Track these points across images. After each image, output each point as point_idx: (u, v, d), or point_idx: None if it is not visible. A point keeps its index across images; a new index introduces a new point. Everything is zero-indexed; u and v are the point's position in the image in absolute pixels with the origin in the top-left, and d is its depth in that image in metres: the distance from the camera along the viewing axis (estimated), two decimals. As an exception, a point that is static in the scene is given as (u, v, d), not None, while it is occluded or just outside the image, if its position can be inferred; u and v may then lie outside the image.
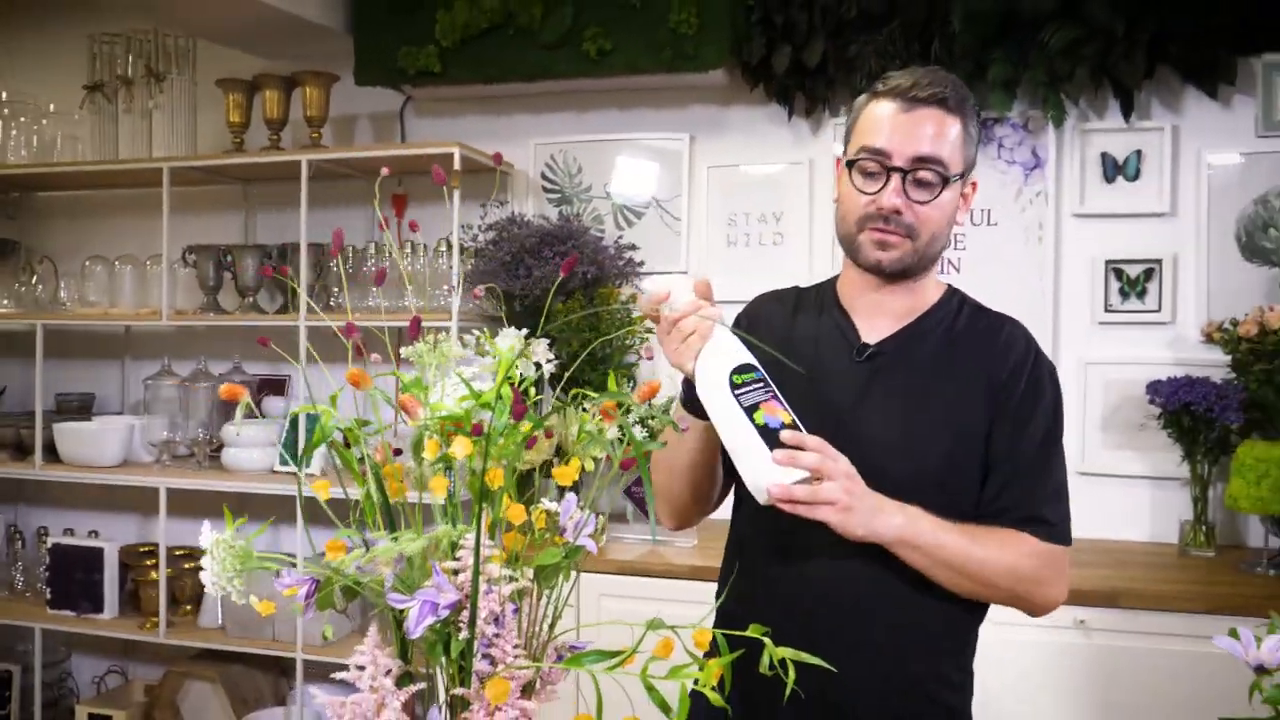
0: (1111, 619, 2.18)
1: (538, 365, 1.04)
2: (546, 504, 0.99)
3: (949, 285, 1.48)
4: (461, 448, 0.87)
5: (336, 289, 3.14)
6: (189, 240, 3.33)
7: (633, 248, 2.98)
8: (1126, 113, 2.70)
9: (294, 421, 3.16)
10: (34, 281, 3.48)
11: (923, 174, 1.32)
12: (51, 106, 3.57)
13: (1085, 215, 2.80)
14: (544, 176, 3.25)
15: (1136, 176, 2.75)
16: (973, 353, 1.39)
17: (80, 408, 3.58)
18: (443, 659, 0.92)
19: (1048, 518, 1.35)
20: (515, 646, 0.92)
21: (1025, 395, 1.36)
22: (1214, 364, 2.59)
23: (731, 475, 1.40)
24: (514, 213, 3.05)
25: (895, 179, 1.33)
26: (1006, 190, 2.83)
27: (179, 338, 3.61)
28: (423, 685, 0.97)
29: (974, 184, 1.42)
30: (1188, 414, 2.45)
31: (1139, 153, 2.74)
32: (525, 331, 1.04)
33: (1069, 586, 1.40)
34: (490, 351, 1.03)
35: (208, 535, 0.91)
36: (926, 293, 1.44)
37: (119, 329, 3.68)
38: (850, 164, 1.37)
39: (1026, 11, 2.61)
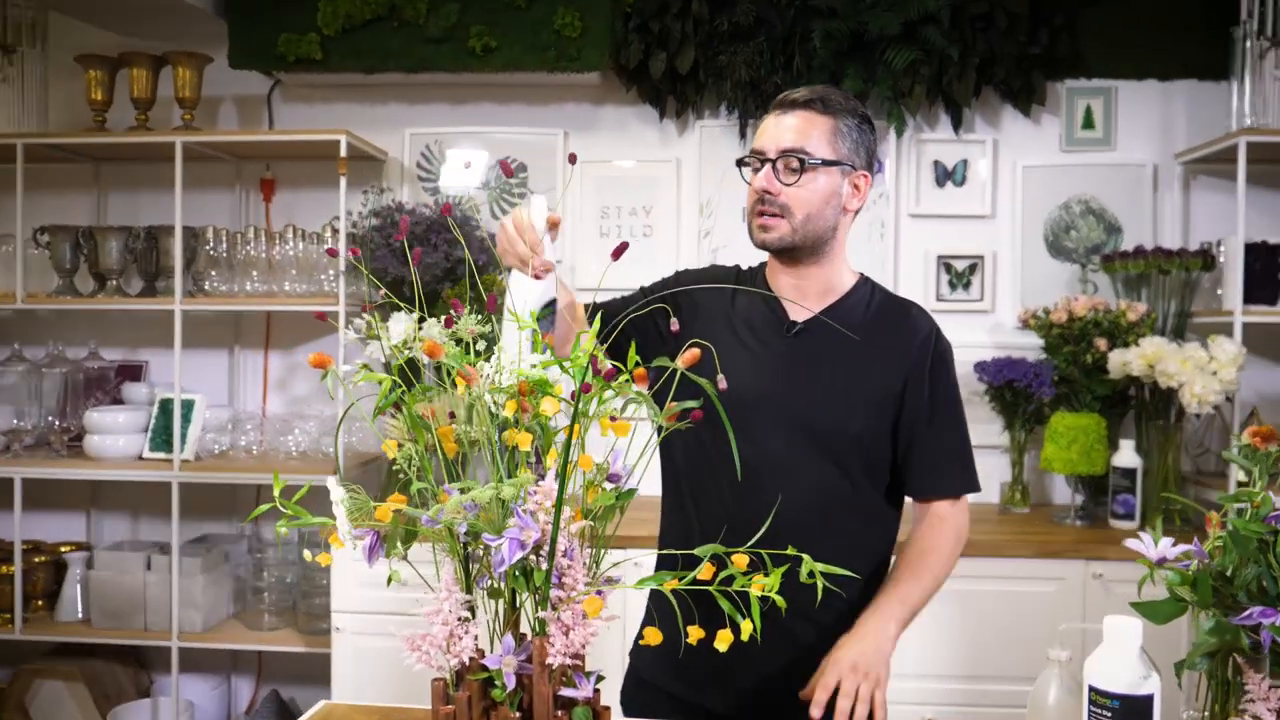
0: (959, 566, 2.52)
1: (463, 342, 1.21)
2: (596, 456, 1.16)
3: (861, 274, 1.74)
4: (551, 405, 1.04)
5: (212, 273, 3.12)
6: (41, 220, 3.20)
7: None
8: (956, 126, 3.09)
9: (164, 406, 3.12)
10: None
11: (789, 161, 1.57)
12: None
13: (920, 215, 3.17)
14: (419, 166, 3.33)
15: (963, 182, 3.14)
16: (886, 329, 1.66)
17: (-88, 396, 3.37)
18: (526, 587, 1.08)
19: (967, 474, 1.68)
20: (584, 576, 1.09)
21: (933, 365, 1.65)
22: (1027, 347, 3.01)
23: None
24: (395, 200, 3.13)
25: (767, 167, 1.59)
26: (853, 191, 3.17)
27: (25, 322, 3.46)
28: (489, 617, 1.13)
29: (865, 177, 1.63)
30: (1010, 389, 2.85)
31: (965, 161, 3.14)
32: (417, 315, 1.19)
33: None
34: (380, 336, 1.20)
35: (336, 489, 1.03)
36: (841, 278, 1.69)
37: (-40, 312, 3.48)
38: (742, 165, 1.65)
39: (875, 32, 2.94)
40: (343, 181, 2.95)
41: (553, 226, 1.47)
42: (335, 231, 3.02)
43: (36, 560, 3.21)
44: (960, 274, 3.14)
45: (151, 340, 3.39)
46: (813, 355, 1.64)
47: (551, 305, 1.44)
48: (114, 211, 3.45)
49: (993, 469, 3.09)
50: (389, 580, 1.18)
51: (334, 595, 2.76)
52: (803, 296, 1.66)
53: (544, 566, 1.08)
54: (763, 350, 1.64)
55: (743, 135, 3.15)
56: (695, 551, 1.11)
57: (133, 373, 3.43)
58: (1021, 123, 3.13)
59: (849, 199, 1.63)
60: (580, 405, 1.04)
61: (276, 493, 1.15)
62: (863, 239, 3.16)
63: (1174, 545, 1.14)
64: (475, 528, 1.10)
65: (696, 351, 1.13)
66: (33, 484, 3.15)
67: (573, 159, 1.40)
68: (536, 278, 1.43)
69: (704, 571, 1.11)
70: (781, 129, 1.59)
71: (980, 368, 2.92)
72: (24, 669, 3.19)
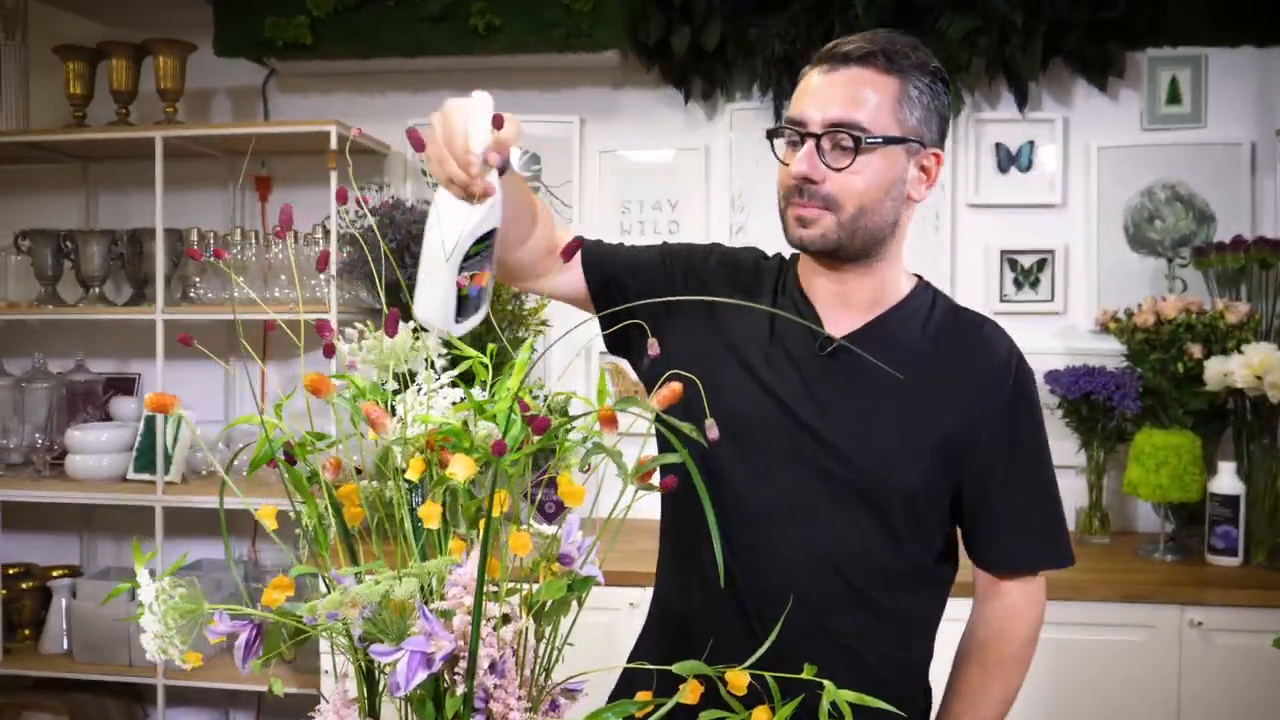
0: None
1: (430, 362, 0.91)
2: (538, 526, 0.85)
3: (919, 278, 1.37)
4: (463, 468, 0.73)
5: (197, 279, 2.87)
6: (19, 225, 2.99)
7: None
8: (1021, 104, 2.73)
9: (149, 424, 2.88)
10: None
11: (839, 138, 1.20)
12: None
13: (980, 205, 2.82)
14: (422, 159, 3.05)
15: (1029, 167, 2.78)
16: (949, 356, 1.28)
17: (-109, 412, 3.17)
18: (434, 717, 0.78)
19: (1059, 543, 1.32)
20: (520, 699, 0.79)
21: (1014, 400, 1.27)
22: (1105, 353, 2.64)
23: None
24: (394, 198, 2.86)
25: (809, 144, 1.21)
26: (903, 180, 2.83)
27: (9, 333, 3.24)
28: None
29: (936, 156, 1.26)
30: (1087, 403, 2.49)
31: (1031, 143, 2.78)
32: (413, 325, 0.92)
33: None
34: (373, 345, 0.90)
35: (148, 586, 0.73)
36: (895, 283, 1.32)
37: (-65, 324, 3.28)
38: (774, 137, 1.27)
39: (926, -1, 2.61)
40: (333, 177, 2.68)
41: (500, 136, 1.07)
42: (326, 233, 2.75)
43: (24, 586, 3.01)
44: (1027, 271, 2.78)
45: (142, 351, 3.15)
46: (852, 380, 1.25)
47: (489, 238, 1.09)
48: (104, 214, 3.22)
49: (1067, 493, 2.72)
50: (269, 691, 0.88)
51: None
52: (844, 307, 1.29)
53: (460, 690, 0.77)
54: (788, 369, 1.27)
55: (778, 117, 2.82)
56: (674, 668, 0.80)
57: (124, 386, 3.20)
58: (1096, 98, 2.76)
59: (915, 185, 1.25)
60: (497, 469, 0.73)
61: (139, 566, 0.87)
62: (914, 232, 2.75)
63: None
64: (370, 634, 0.80)
65: (677, 387, 0.81)
66: (19, 506, 2.94)
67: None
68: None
69: (689, 694, 0.80)
70: (830, 93, 1.20)
71: (1052, 378, 2.56)
72: (9, 703, 2.99)
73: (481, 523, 0.78)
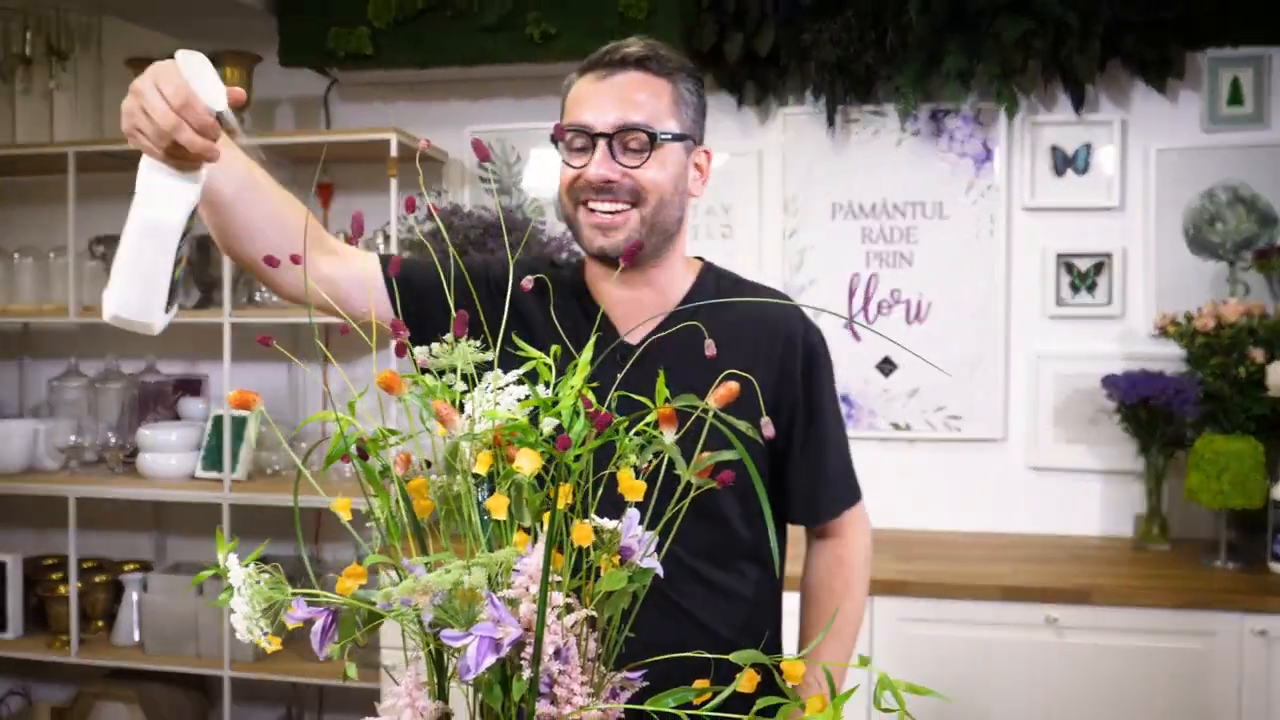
0: (1083, 616, 2.17)
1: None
2: (601, 521, 0.89)
3: (701, 261, 1.40)
4: (529, 462, 0.77)
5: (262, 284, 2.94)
6: (95, 231, 3.09)
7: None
8: (1078, 105, 2.71)
9: (217, 424, 2.96)
10: (-80, 275, 3.20)
11: (629, 139, 1.24)
12: (-64, 86, 3.28)
13: (1036, 209, 2.80)
14: (480, 165, 3.11)
15: (1086, 170, 2.76)
16: (741, 336, 1.29)
17: (-26, 411, 3.31)
18: (501, 700, 0.81)
19: (846, 486, 1.42)
20: (582, 684, 0.82)
21: (812, 375, 1.34)
22: (1164, 358, 2.61)
23: None
24: (452, 203, 2.92)
25: (601, 146, 1.24)
26: (957, 182, 2.82)
27: (84, 336, 3.36)
28: (467, 729, 0.86)
29: (707, 154, 1.34)
30: (1145, 408, 2.47)
31: (1088, 146, 2.76)
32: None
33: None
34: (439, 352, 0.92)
35: (236, 570, 0.78)
36: (679, 277, 1.35)
37: (16, 326, 3.40)
38: (556, 142, 1.27)
39: (980, 2, 2.60)
40: (393, 184, 2.75)
41: (235, 93, 1.03)
42: (386, 238, 2.82)
43: (97, 580, 3.12)
44: (1084, 275, 2.76)
45: (210, 353, 3.25)
46: (650, 380, 1.24)
47: (193, 215, 1.02)
48: (174, 220, 3.32)
49: (1125, 498, 2.71)
50: (344, 675, 0.92)
51: (384, 631, 2.54)
52: (638, 309, 1.31)
53: (527, 674, 0.81)
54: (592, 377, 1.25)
55: (831, 122, 2.83)
56: (732, 657, 0.82)
57: (192, 387, 3.29)
58: (1155, 100, 2.73)
59: (693, 182, 1.32)
60: (563, 462, 0.76)
61: (222, 557, 0.92)
62: (969, 236, 2.80)
63: None
64: (440, 619, 0.83)
65: (735, 386, 0.84)
66: (95, 502, 3.05)
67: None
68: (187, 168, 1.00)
69: (747, 683, 0.82)
70: (614, 95, 1.25)
71: (1109, 382, 2.54)
72: (85, 692, 3.09)
73: (546, 515, 0.81)
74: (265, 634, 0.80)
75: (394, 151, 2.73)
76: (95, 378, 3.16)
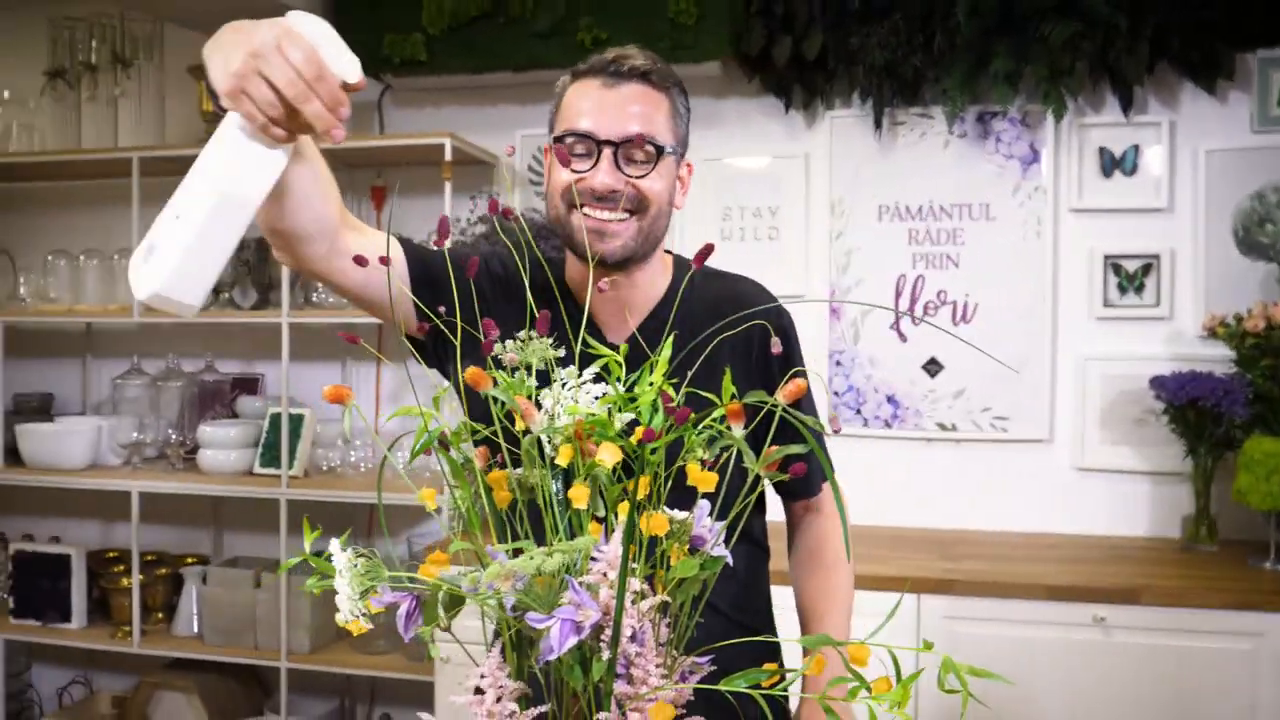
0: (1131, 616, 2.18)
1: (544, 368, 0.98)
2: (673, 513, 0.93)
3: (675, 257, 1.43)
4: (610, 454, 0.81)
5: (319, 284, 3.02)
6: (157, 234, 3.18)
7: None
8: (1126, 107, 2.72)
9: (274, 421, 3.04)
10: (-10, 277, 3.32)
11: (634, 153, 1.27)
12: (5, 94, 3.39)
13: (1083, 210, 2.81)
14: (530, 169, 3.17)
15: (1134, 171, 2.77)
16: (716, 321, 1.27)
17: (39, 408, 3.41)
18: (581, 680, 0.86)
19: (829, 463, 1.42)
20: (657, 666, 0.86)
21: (784, 356, 1.34)
22: (1213, 359, 2.61)
23: None
24: (505, 205, 2.97)
25: (606, 154, 1.26)
26: (1004, 184, 2.83)
27: (144, 335, 3.47)
28: (546, 708, 0.91)
29: (689, 166, 1.38)
30: (1194, 409, 2.47)
31: (1136, 147, 2.76)
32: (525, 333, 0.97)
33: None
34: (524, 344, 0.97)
35: (339, 555, 0.83)
36: (659, 276, 1.39)
37: (79, 326, 3.52)
38: (557, 147, 1.27)
39: (1028, 4, 2.61)
40: (448, 187, 2.81)
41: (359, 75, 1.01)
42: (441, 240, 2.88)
43: (157, 573, 3.21)
44: (1131, 276, 2.77)
45: (266, 353, 3.34)
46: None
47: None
48: (231, 223, 3.41)
49: (1172, 500, 2.71)
50: (427, 656, 0.98)
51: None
52: (622, 311, 1.35)
53: (605, 655, 0.85)
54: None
55: (878, 125, 2.86)
56: (798, 641, 0.86)
57: (249, 385, 3.38)
58: (1203, 101, 2.73)
59: (678, 194, 1.36)
60: (645, 455, 0.81)
61: (308, 543, 0.97)
62: (1016, 237, 2.82)
63: None
64: (523, 603, 0.88)
65: (802, 384, 0.89)
66: (156, 497, 3.14)
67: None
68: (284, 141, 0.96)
69: (813, 666, 0.86)
70: (621, 107, 1.27)
71: (1157, 383, 2.55)
72: (146, 681, 3.19)
73: (623, 505, 0.86)
74: (364, 615, 0.85)
75: (448, 155, 2.79)
76: (156, 376, 3.25)
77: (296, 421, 2.98)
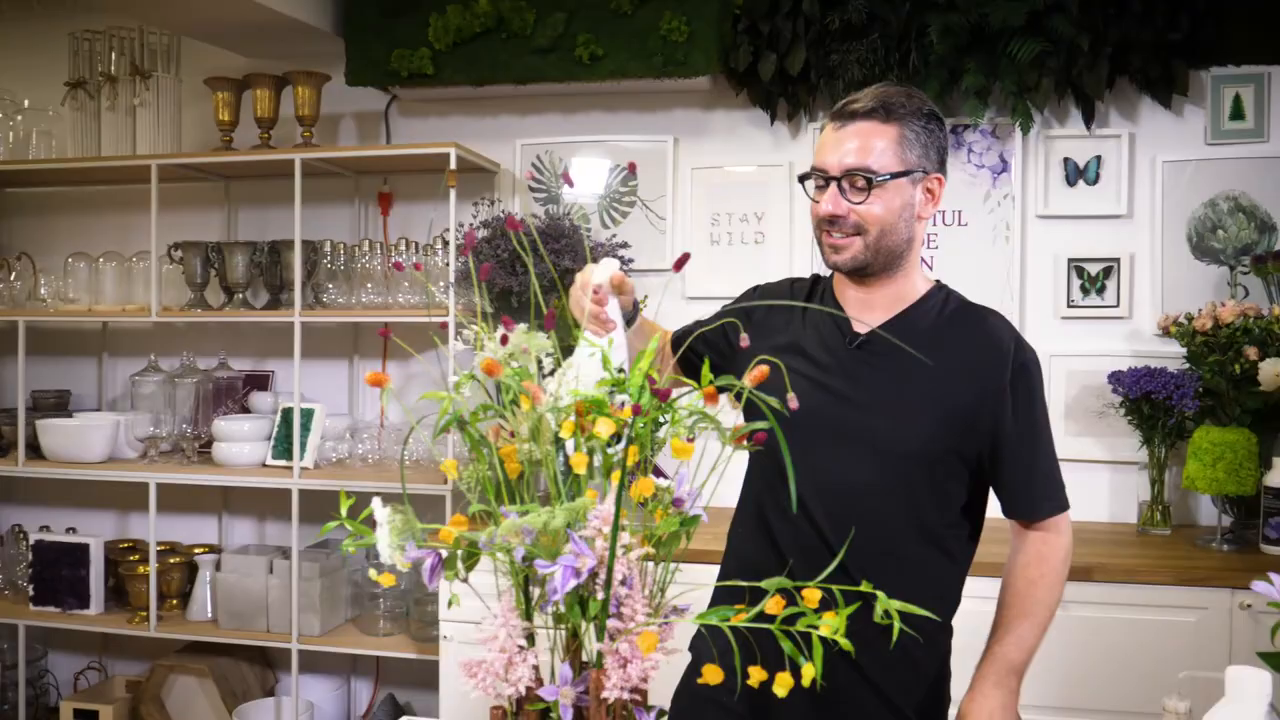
0: (1087, 592, 2.35)
1: (539, 360, 1.15)
2: (659, 479, 1.10)
3: (937, 281, 1.63)
4: (606, 427, 0.99)
5: (330, 285, 3.19)
6: (169, 238, 3.34)
7: (625, 245, 3.09)
8: (1088, 120, 2.90)
9: (285, 416, 3.21)
10: (11, 278, 3.47)
11: (855, 180, 1.49)
12: (26, 102, 3.55)
13: (1049, 216, 2.99)
14: (530, 176, 3.34)
15: (1096, 180, 2.95)
16: (957, 341, 1.54)
17: (57, 404, 3.57)
18: (579, 617, 1.03)
19: (1055, 493, 1.59)
20: (643, 606, 1.04)
21: (1014, 377, 1.53)
22: (1168, 356, 2.80)
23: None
24: (505, 212, 3.14)
25: (832, 187, 1.52)
26: (976, 192, 3.01)
27: (158, 334, 3.63)
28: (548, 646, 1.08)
29: (938, 179, 1.55)
30: (1148, 402, 2.65)
31: (1099, 158, 2.94)
32: (525, 326, 1.14)
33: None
34: (488, 346, 1.15)
35: (380, 510, 1.00)
36: (913, 286, 1.59)
37: (96, 325, 3.68)
38: (803, 180, 1.57)
39: (997, 25, 2.78)
40: (452, 194, 2.97)
41: (616, 286, 1.40)
42: (446, 244, 3.05)
43: (171, 561, 3.35)
44: (1094, 278, 2.95)
45: (277, 351, 3.50)
46: (875, 369, 1.55)
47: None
48: (244, 227, 3.58)
49: (1130, 487, 2.89)
50: (449, 604, 1.15)
51: (442, 604, 2.77)
52: (869, 309, 1.59)
53: (600, 596, 1.03)
54: (826, 367, 1.57)
55: (857, 137, 3.03)
56: (763, 584, 1.04)
57: (260, 382, 3.55)
58: (1161, 115, 2.92)
59: (923, 206, 1.55)
60: (633, 428, 0.98)
61: (344, 510, 1.14)
62: (987, 242, 3.00)
63: (1310, 588, 1.00)
64: (532, 553, 1.05)
65: (765, 369, 1.06)
66: (168, 488, 3.29)
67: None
68: (599, 333, 1.37)
69: (772, 605, 1.03)
70: (843, 144, 1.51)
71: (1115, 378, 2.73)
72: (159, 664, 3.34)
73: (616, 473, 1.03)
74: (404, 557, 1.01)
75: (452, 164, 2.96)
76: (172, 373, 3.41)
77: (307, 416, 3.14)
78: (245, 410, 3.42)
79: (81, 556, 3.31)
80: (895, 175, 1.50)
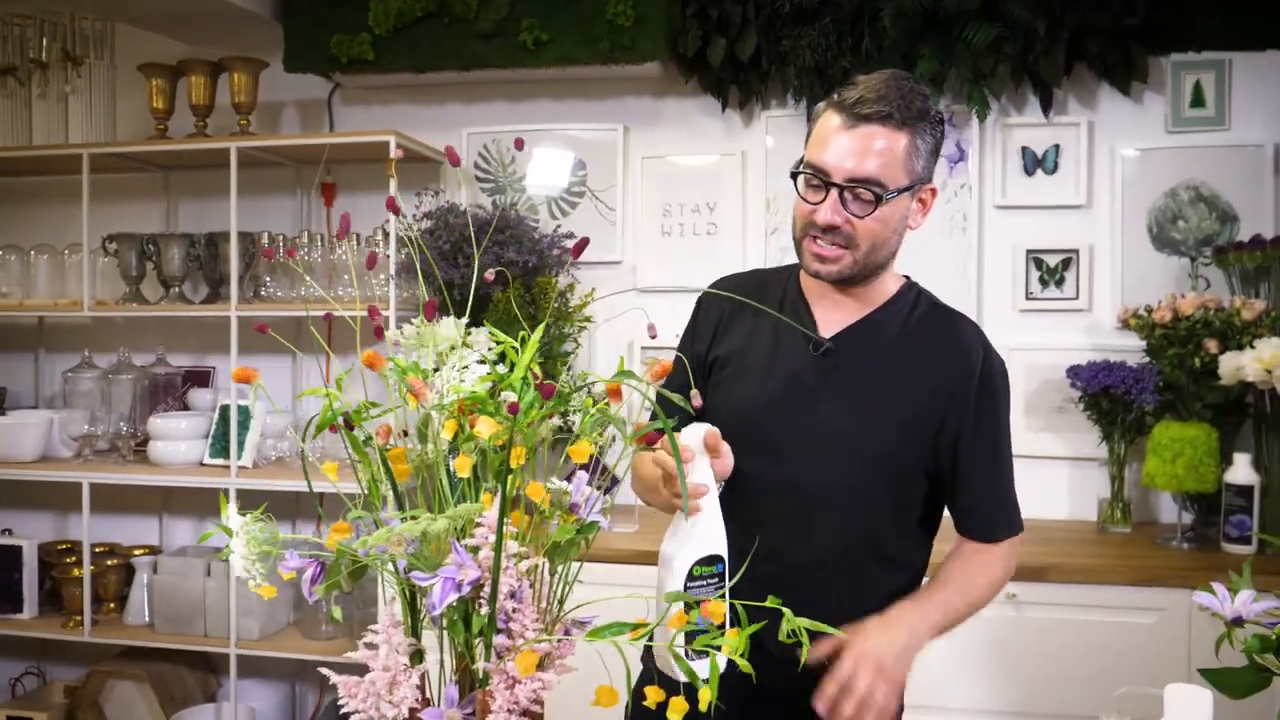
0: (1041, 593, 2.29)
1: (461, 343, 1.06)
2: (555, 482, 1.01)
3: (907, 278, 1.55)
4: (487, 427, 0.90)
5: (268, 279, 3.08)
6: (106, 230, 3.23)
7: (570, 236, 3.00)
8: (1046, 108, 2.83)
9: (224, 413, 3.10)
10: (-61, 272, 3.34)
11: (860, 192, 1.36)
12: (-45, 89, 3.42)
13: (1007, 206, 2.92)
14: (477, 166, 3.24)
15: (1055, 170, 2.88)
16: (924, 349, 1.46)
17: (-9, 402, 3.44)
18: (463, 634, 0.94)
19: (1010, 516, 1.50)
20: (534, 621, 0.95)
21: (980, 389, 1.44)
22: (1128, 349, 2.73)
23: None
24: (449, 202, 3.04)
25: (833, 194, 1.37)
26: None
27: (97, 330, 3.50)
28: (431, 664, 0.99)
29: (932, 190, 1.46)
30: (1106, 397, 2.58)
31: (1057, 147, 2.87)
32: (465, 320, 1.06)
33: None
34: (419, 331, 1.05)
35: (234, 517, 0.91)
36: (884, 286, 1.50)
37: (32, 321, 3.55)
38: (795, 175, 1.43)
39: (951, 9, 2.71)
40: (393, 184, 2.88)
41: (711, 449, 1.21)
42: (385, 235, 2.95)
43: (109, 564, 3.24)
44: (1052, 269, 2.88)
45: (217, 346, 3.39)
46: (840, 370, 1.46)
47: (714, 563, 1.15)
48: (184, 219, 3.46)
49: (1090, 484, 2.83)
50: (330, 618, 1.05)
51: (380, 608, 2.67)
52: (838, 308, 1.50)
53: (484, 611, 0.94)
54: (790, 365, 1.48)
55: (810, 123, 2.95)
56: (663, 597, 0.95)
57: (201, 378, 3.43)
58: (1120, 102, 2.85)
59: (914, 217, 1.45)
60: (516, 425, 0.89)
61: (224, 515, 1.04)
62: (943, 232, 2.92)
63: (1255, 601, 0.93)
64: (413, 564, 0.96)
65: (667, 364, 0.97)
66: (107, 489, 3.18)
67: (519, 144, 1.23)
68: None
69: (674, 620, 0.95)
70: (852, 148, 1.35)
71: (1074, 372, 2.66)
72: (97, 670, 3.23)
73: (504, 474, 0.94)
74: (260, 575, 0.92)
75: (393, 152, 2.86)
76: (108, 369, 3.29)
77: (246, 413, 3.03)
78: (185, 408, 3.30)
79: (14, 559, 3.19)
80: (904, 190, 1.38)
